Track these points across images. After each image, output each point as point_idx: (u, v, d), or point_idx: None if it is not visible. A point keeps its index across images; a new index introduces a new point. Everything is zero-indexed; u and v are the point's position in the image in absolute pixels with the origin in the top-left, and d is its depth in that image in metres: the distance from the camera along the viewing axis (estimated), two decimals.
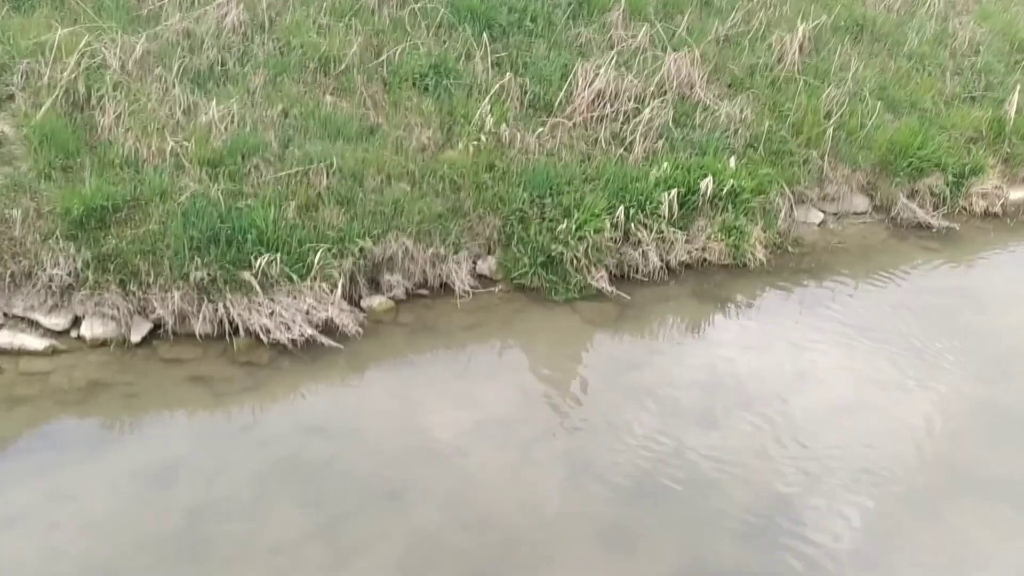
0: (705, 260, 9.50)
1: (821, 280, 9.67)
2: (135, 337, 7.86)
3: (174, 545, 5.94)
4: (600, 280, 8.99)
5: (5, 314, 7.83)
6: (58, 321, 7.86)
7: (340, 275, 8.22)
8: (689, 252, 9.41)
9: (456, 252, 8.89)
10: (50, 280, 7.72)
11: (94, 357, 7.69)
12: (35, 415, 7.06)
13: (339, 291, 8.18)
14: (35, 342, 7.72)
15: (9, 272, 7.75)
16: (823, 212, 10.73)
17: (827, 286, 9.58)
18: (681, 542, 6.12)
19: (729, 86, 11.06)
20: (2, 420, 6.98)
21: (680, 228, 9.33)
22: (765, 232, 9.86)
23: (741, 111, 10.53)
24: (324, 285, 8.12)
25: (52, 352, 7.69)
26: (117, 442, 6.88)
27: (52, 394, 7.30)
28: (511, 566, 5.85)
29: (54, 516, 6.10)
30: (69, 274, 7.73)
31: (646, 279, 9.24)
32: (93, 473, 6.52)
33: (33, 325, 7.85)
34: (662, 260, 9.29)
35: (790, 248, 10.07)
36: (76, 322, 7.95)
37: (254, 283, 7.82)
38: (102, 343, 7.80)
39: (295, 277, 7.99)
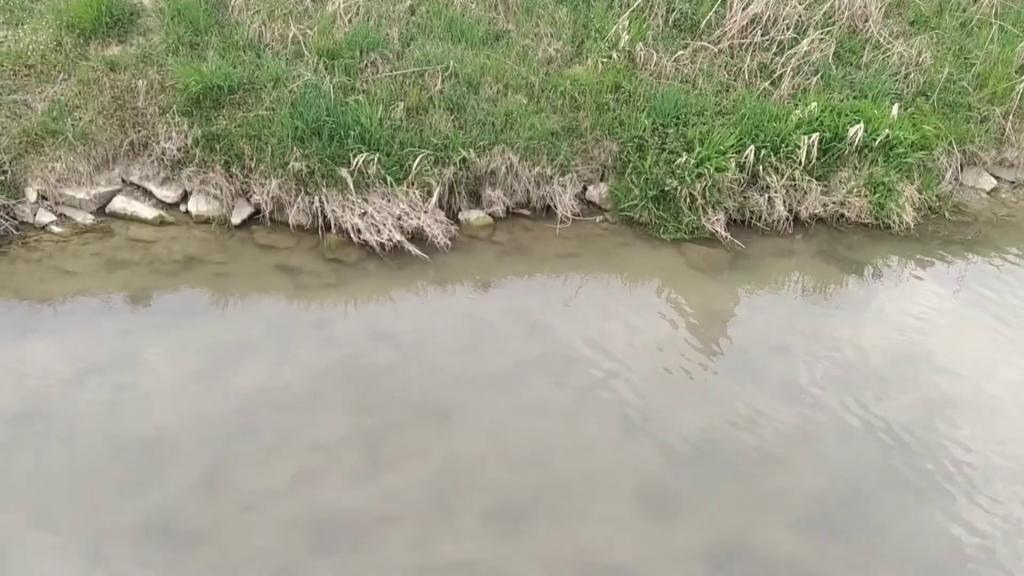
0: (841, 216, 8.60)
1: (980, 255, 8.54)
2: (235, 219, 8.07)
3: (223, 424, 6.11)
4: (715, 223, 8.33)
5: (124, 180, 8.22)
6: (168, 193, 8.17)
7: (438, 184, 8.03)
8: (824, 205, 8.53)
9: (564, 174, 8.47)
10: (163, 153, 8.00)
11: (196, 233, 7.96)
12: (131, 280, 7.42)
13: (435, 200, 8.01)
14: (146, 211, 8.08)
15: (129, 140, 8.08)
16: (997, 178, 9.43)
17: (986, 262, 8.45)
18: (728, 520, 5.66)
19: (911, 23, 9.77)
20: (101, 280, 7.39)
21: (817, 177, 8.45)
22: (921, 193, 8.78)
23: (919, 53, 9.30)
24: (420, 192, 7.96)
25: (160, 223, 8.03)
26: (196, 317, 7.12)
27: (151, 263, 7.64)
28: (541, 510, 5.63)
29: (124, 378, 6.42)
30: (180, 149, 7.97)
31: (767, 229, 8.48)
32: (168, 343, 6.79)
33: (147, 194, 8.20)
34: (790, 210, 8.48)
35: (948, 215, 8.94)
36: (185, 197, 8.23)
37: (349, 181, 7.78)
38: (205, 221, 8.05)
39: (391, 180, 7.87)
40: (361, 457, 5.91)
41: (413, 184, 7.88)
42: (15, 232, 7.70)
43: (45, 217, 7.87)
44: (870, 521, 5.69)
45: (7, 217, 7.73)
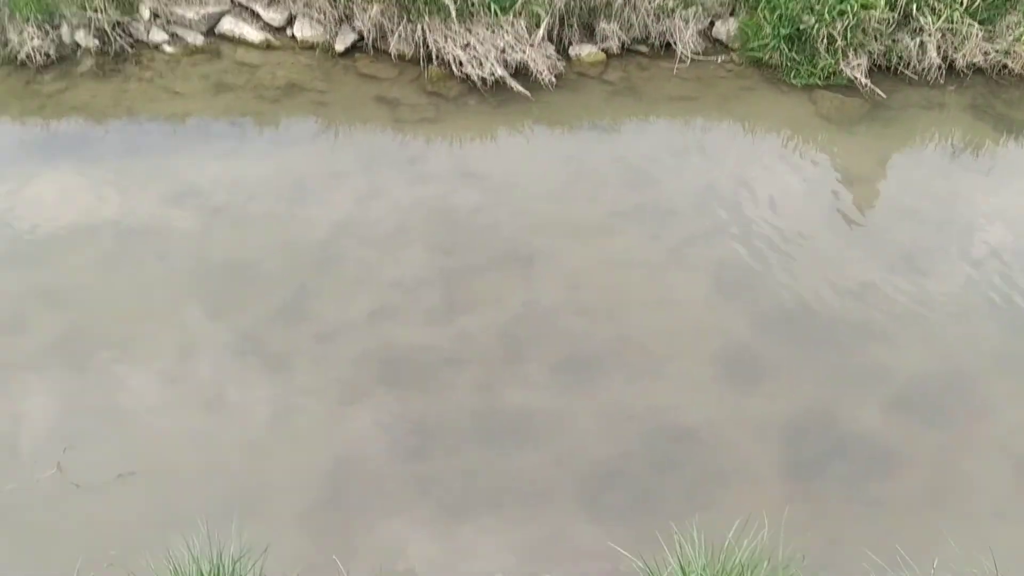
0: (1004, 68, 7.49)
1: None
2: (339, 46, 7.88)
3: (310, 255, 6.18)
4: (856, 69, 7.45)
5: (232, 0, 8.12)
6: (274, 16, 8.04)
7: (548, 14, 7.49)
8: (984, 53, 7.43)
9: (687, 7, 7.71)
10: None
11: (300, 59, 7.85)
12: (234, 104, 7.46)
13: (543, 32, 7.51)
14: (253, 34, 8.00)
15: None
16: None
17: None
18: (814, 393, 5.29)
19: None
20: (206, 103, 7.46)
21: (980, 21, 7.31)
22: None
23: None
24: (527, 23, 7.46)
25: (266, 47, 7.96)
26: (293, 146, 7.12)
27: (255, 88, 7.63)
28: (613, 366, 5.44)
29: (219, 201, 6.55)
30: None
31: (915, 78, 7.52)
32: (265, 170, 6.85)
33: (254, 16, 8.10)
34: (944, 58, 7.45)
35: None
36: (291, 21, 8.07)
37: (452, 8, 7.36)
38: (310, 46, 7.92)
39: (497, 10, 7.39)
40: (439, 298, 5.86)
41: (520, 14, 7.39)
42: (130, 50, 7.83)
43: (158, 36, 7.93)
44: (974, 409, 5.19)
45: (123, 34, 7.85)
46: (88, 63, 7.75)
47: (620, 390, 5.27)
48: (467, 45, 7.39)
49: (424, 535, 4.54)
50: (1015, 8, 7.30)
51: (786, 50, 7.47)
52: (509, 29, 7.39)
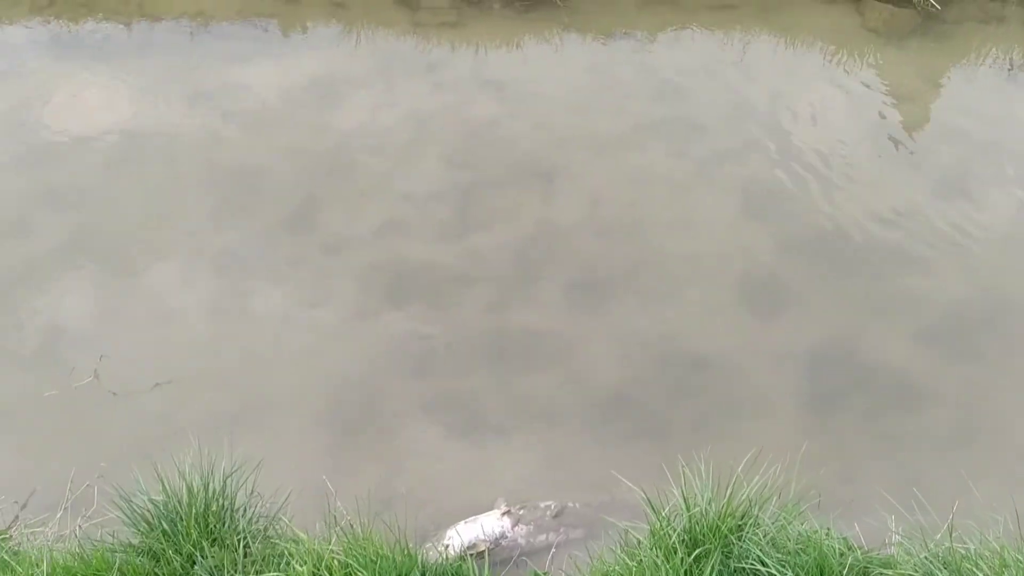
0: None
1: None
2: None
3: (319, 163, 5.96)
4: None
5: None
6: None
7: None
8: None
9: None
10: None
11: None
12: (251, 4, 7.14)
13: None
14: None
15: None
16: None
17: None
18: (840, 323, 5.01)
19: None
20: (222, 2, 7.14)
21: None
22: None
23: None
24: None
25: None
26: (309, 49, 6.83)
27: None
28: (630, 289, 5.20)
29: (230, 104, 6.32)
30: None
31: None
32: (278, 74, 6.58)
33: None
34: None
35: None
36: None
37: None
38: None
39: None
40: (451, 213, 5.62)
41: None
42: None
43: None
44: (1010, 344, 4.89)
45: None
46: None
47: (634, 315, 5.05)
48: None
49: (426, 456, 4.43)
50: None
51: None
52: None
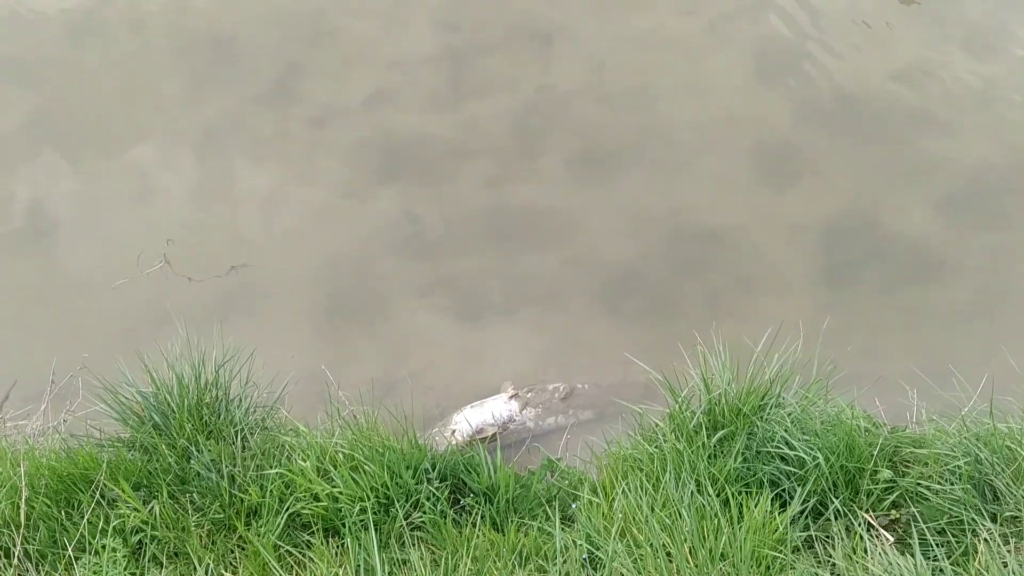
0: None
1: None
2: None
3: (301, 29, 5.48)
4: None
5: None
6: None
7: None
8: None
9: None
10: None
11: None
12: None
13: None
14: None
15: None
16: None
17: None
18: (859, 191, 4.73)
19: None
20: None
21: None
22: None
23: None
24: None
25: None
26: None
27: None
28: (636, 160, 4.87)
29: None
30: None
31: None
32: None
33: None
34: None
35: None
36: None
37: None
38: None
39: None
40: (444, 81, 5.21)
41: None
42: None
43: None
44: None
45: None
46: None
47: (642, 187, 4.75)
48: None
49: (427, 341, 4.22)
50: None
51: None
52: None
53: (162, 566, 2.52)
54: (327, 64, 5.24)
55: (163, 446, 2.94)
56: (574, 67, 5.20)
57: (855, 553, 2.27)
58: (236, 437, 3.02)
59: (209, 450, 2.92)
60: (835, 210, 4.62)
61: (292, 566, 2.52)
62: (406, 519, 2.69)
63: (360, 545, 2.46)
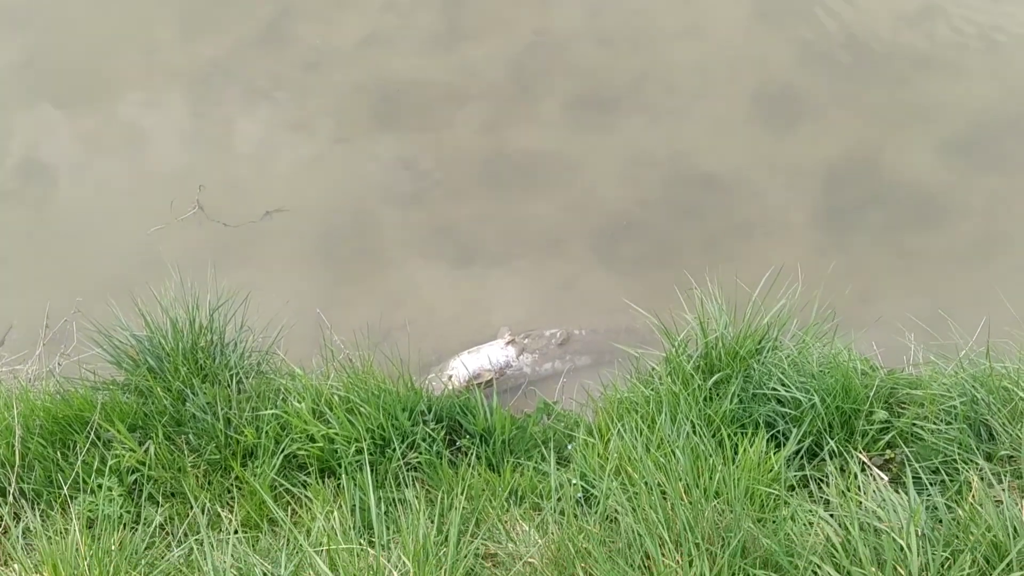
0: None
1: None
2: None
3: None
4: None
5: None
6: None
7: None
8: None
9: None
10: None
11: None
12: None
13: None
14: None
15: None
16: None
17: None
18: (861, 134, 4.66)
19: None
20: None
21: None
22: None
23: None
24: None
25: None
26: None
27: None
28: (635, 104, 4.80)
29: None
30: None
31: None
32: None
33: None
34: None
35: None
36: None
37: None
38: None
39: None
40: (441, 23, 5.11)
41: None
42: None
43: None
44: None
45: None
46: None
47: (641, 132, 4.70)
48: None
49: (423, 287, 4.20)
50: None
51: None
52: None
53: (158, 504, 2.53)
54: (319, 6, 5.15)
55: (158, 389, 2.94)
56: (572, 8, 5.11)
57: (849, 491, 2.28)
58: (231, 380, 3.02)
59: (204, 393, 2.91)
60: (836, 153, 4.57)
61: (289, 504, 2.53)
62: (402, 459, 2.69)
63: (356, 484, 2.47)
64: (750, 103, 4.75)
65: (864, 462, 2.55)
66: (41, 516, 2.44)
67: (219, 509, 2.50)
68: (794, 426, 2.78)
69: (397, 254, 4.28)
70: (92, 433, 2.65)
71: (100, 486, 2.49)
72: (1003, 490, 2.19)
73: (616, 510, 2.22)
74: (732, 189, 4.45)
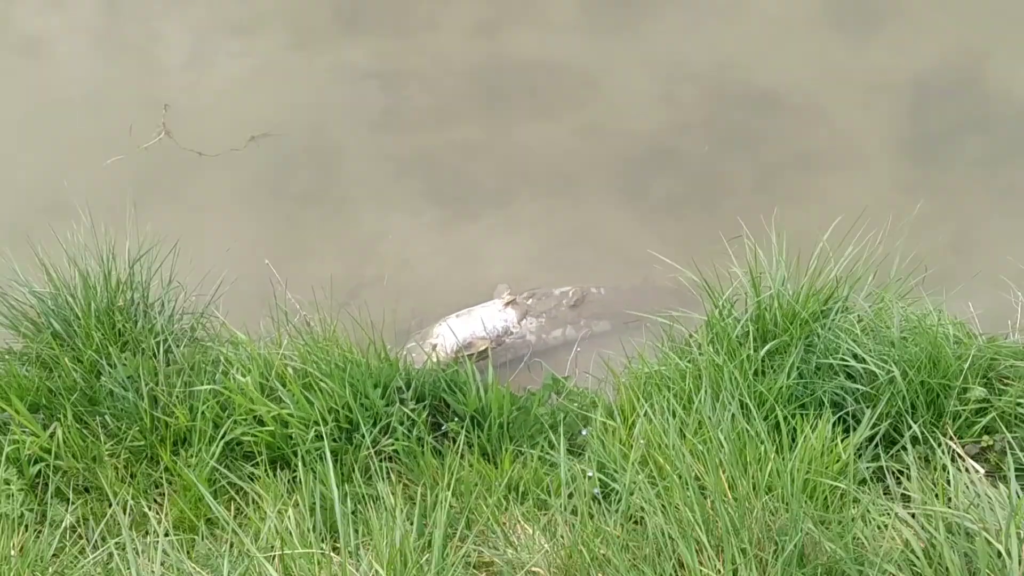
0: None
1: None
2: None
3: None
4: None
5: None
6: None
7: None
8: None
9: None
10: None
11: None
12: None
13: None
14: None
15: None
16: None
17: None
18: (956, 42, 4.68)
19: None
20: None
21: None
22: None
23: None
24: None
25: None
26: None
27: None
28: (669, 1, 4.80)
29: None
30: None
31: None
32: None
33: None
34: None
35: None
36: None
37: None
38: None
39: None
40: None
41: None
42: None
43: None
44: None
45: None
46: None
47: (678, 35, 4.73)
48: None
49: (402, 233, 4.24)
50: None
51: None
52: None
53: (68, 501, 2.57)
54: None
55: (66, 359, 2.97)
56: None
57: (935, 487, 2.31)
58: (158, 349, 3.05)
59: (124, 364, 2.95)
60: (926, 65, 4.62)
61: (232, 500, 2.57)
62: (373, 446, 2.73)
63: (315, 477, 2.50)
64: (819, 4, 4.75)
65: (955, 450, 2.59)
66: None
67: (145, 507, 2.54)
68: (868, 406, 2.82)
69: (366, 192, 4.33)
70: None
71: None
72: None
73: (642, 508, 2.25)
74: (793, 110, 4.50)
